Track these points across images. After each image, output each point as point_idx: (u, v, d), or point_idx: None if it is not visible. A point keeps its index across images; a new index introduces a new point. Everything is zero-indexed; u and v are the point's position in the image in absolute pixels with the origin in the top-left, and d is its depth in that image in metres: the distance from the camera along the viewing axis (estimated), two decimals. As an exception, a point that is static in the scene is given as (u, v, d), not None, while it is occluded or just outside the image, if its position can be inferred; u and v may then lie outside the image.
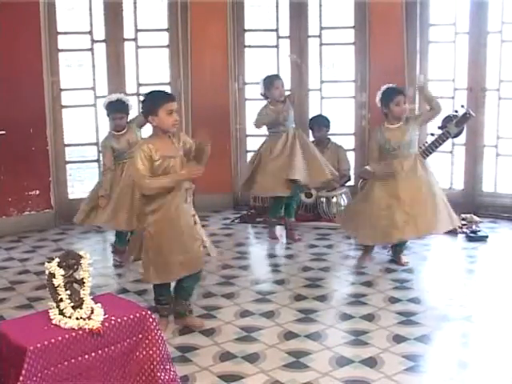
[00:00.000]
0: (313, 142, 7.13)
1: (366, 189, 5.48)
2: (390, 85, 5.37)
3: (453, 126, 5.90)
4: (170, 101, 4.08)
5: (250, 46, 7.46)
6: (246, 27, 7.39)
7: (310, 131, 7.14)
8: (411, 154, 5.30)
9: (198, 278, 4.40)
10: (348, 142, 7.44)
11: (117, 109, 5.59)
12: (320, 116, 7.18)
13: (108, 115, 5.69)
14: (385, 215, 5.20)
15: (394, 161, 5.24)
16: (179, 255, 4.15)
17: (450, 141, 6.46)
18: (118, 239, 5.88)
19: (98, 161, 7.19)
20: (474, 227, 6.40)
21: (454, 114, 6.03)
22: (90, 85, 7.03)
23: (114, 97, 5.71)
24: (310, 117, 7.26)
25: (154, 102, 4.11)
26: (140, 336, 3.15)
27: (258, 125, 6.11)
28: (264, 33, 7.61)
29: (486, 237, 6.20)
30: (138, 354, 3.15)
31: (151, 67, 7.56)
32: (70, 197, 7.12)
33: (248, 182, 6.25)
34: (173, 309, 4.39)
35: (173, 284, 4.39)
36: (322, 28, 7.36)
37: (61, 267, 3.03)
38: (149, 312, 3.21)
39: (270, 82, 6.05)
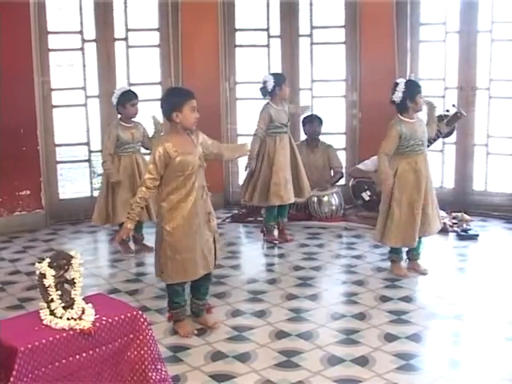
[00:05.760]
0: (305, 139, 7.17)
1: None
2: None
3: (444, 125, 5.91)
4: (193, 98, 4.09)
5: (240, 46, 7.46)
6: (236, 27, 7.39)
7: (302, 127, 7.14)
8: (425, 152, 5.16)
9: (209, 277, 4.36)
10: (339, 142, 7.45)
11: (134, 95, 5.78)
12: (313, 114, 7.19)
13: (124, 104, 5.73)
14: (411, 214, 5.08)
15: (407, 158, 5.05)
16: (196, 253, 4.12)
17: (440, 140, 6.49)
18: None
19: (88, 161, 7.18)
20: (464, 226, 6.41)
21: (445, 113, 6.04)
22: (81, 84, 7.00)
23: (124, 88, 5.97)
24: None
25: (179, 97, 4.11)
26: (131, 336, 3.14)
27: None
28: (255, 32, 7.61)
29: (477, 235, 6.23)
30: (129, 354, 3.14)
31: (142, 67, 7.55)
32: (61, 197, 7.12)
33: (263, 193, 6.11)
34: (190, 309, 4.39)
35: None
36: (312, 27, 7.37)
37: (51, 267, 3.02)
38: (140, 312, 3.20)
39: (284, 78, 6.07)
